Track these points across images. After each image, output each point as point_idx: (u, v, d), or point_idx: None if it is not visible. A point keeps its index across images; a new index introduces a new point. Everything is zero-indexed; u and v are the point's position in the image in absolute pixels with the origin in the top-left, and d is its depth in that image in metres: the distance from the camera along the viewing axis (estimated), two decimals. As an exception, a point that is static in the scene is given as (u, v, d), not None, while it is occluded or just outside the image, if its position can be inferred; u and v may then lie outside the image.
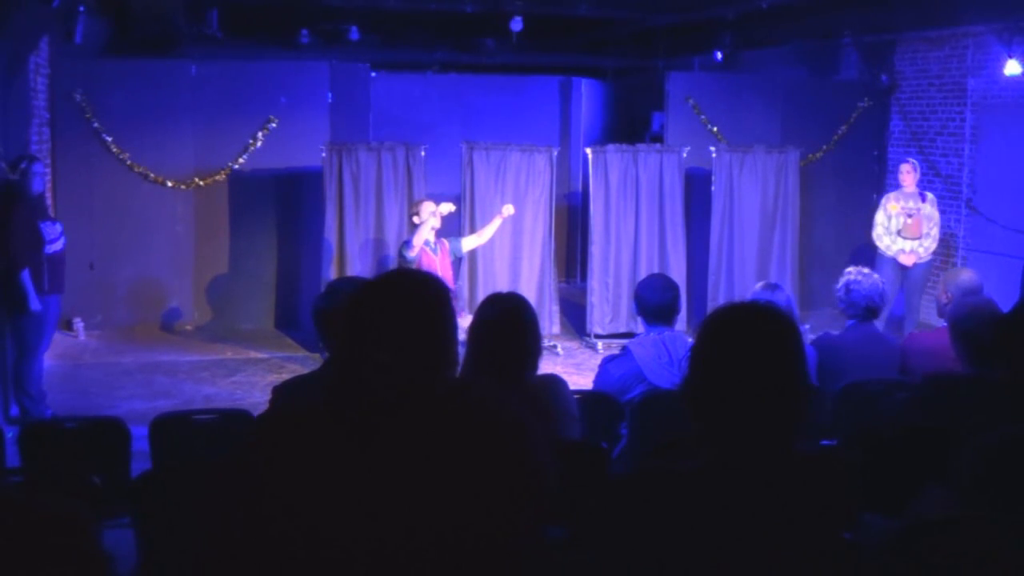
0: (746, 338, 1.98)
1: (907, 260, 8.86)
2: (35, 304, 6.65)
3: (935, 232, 8.96)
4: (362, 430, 1.81)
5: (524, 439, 1.89)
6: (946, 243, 10.19)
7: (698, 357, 2.02)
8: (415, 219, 7.85)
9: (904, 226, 8.91)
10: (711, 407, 1.96)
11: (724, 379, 1.95)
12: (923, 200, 8.96)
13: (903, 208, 8.96)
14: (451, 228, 9.36)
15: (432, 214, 7.71)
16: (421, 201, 8.06)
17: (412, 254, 7.56)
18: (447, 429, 1.84)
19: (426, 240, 7.69)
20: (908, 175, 8.99)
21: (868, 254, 11.06)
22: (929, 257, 8.98)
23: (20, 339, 6.85)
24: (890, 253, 8.94)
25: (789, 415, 1.96)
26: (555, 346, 9.22)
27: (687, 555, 1.90)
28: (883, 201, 9.24)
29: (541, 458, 1.89)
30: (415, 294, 1.92)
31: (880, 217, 9.06)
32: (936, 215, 8.98)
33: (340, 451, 1.81)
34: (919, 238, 8.88)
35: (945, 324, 4.97)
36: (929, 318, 9.19)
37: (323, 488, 1.78)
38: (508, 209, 8.35)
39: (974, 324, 3.75)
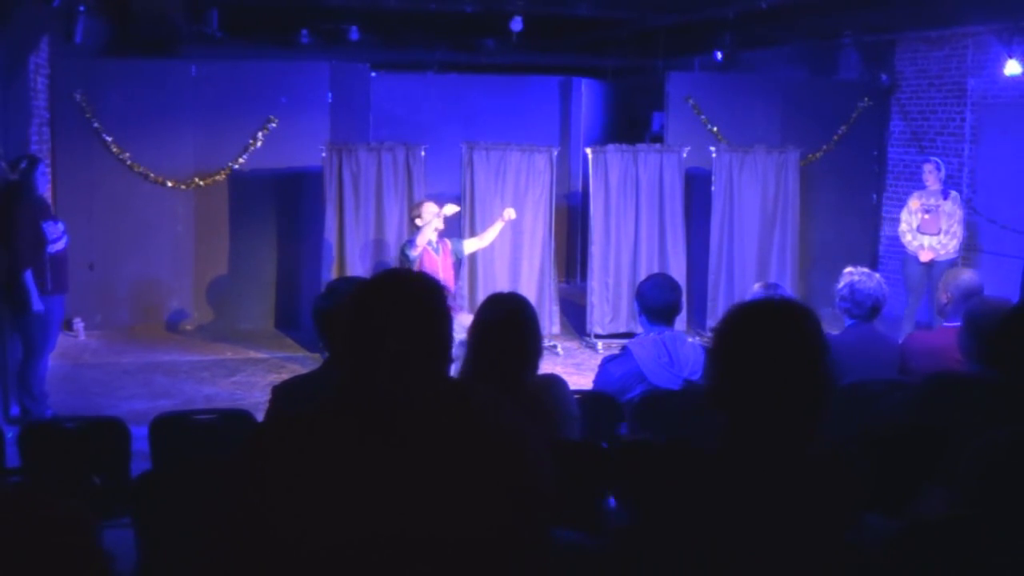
0: (771, 331, 1.99)
1: (924, 256, 9.06)
2: (37, 304, 6.64)
3: (956, 229, 9.06)
4: (378, 427, 1.82)
5: (522, 448, 1.90)
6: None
7: (720, 352, 2.02)
8: (417, 221, 7.84)
9: (922, 222, 9.11)
10: (732, 402, 1.96)
11: (748, 373, 1.95)
12: (945, 197, 9.07)
13: (922, 204, 9.16)
14: (451, 228, 9.35)
15: (436, 215, 7.71)
16: (423, 202, 8.05)
17: (415, 253, 7.57)
18: (451, 434, 1.85)
19: (428, 240, 7.69)
20: (930, 175, 9.15)
21: (868, 253, 11.08)
22: (954, 254, 9.06)
23: (26, 340, 6.85)
24: (911, 249, 9.16)
25: (809, 411, 1.96)
26: (555, 346, 9.22)
27: (694, 532, 1.91)
28: (908, 199, 9.46)
29: (539, 465, 1.91)
30: (418, 290, 1.95)
31: (904, 215, 9.32)
32: (959, 212, 9.10)
33: (353, 447, 1.81)
34: (937, 234, 9.02)
35: (944, 324, 4.98)
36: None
37: (336, 487, 1.78)
38: (509, 213, 8.32)
39: (993, 321, 3.72)
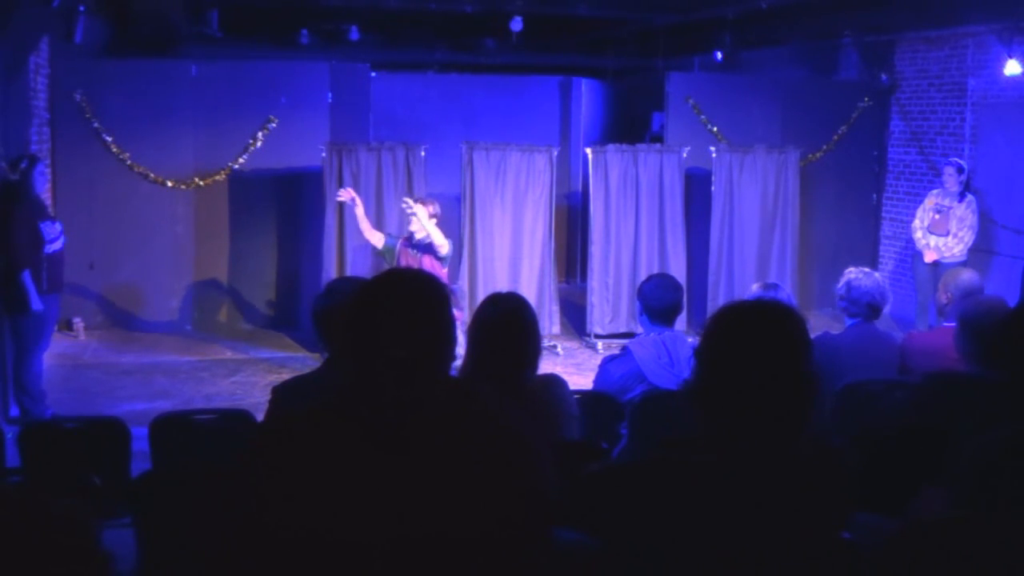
0: (755, 333, 1.99)
1: (928, 256, 9.05)
2: (36, 304, 6.65)
3: (964, 234, 9.01)
4: (378, 429, 1.82)
5: (525, 449, 1.90)
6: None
7: (706, 353, 2.02)
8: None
9: (932, 221, 9.11)
10: (718, 403, 1.97)
11: (732, 375, 1.96)
12: (960, 200, 9.04)
13: (936, 204, 9.15)
14: (452, 228, 9.36)
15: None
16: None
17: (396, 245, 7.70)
18: (456, 435, 1.84)
19: (411, 238, 7.68)
20: (950, 177, 9.12)
21: (868, 253, 11.07)
22: (960, 258, 8.96)
23: (19, 339, 6.85)
24: (919, 247, 9.18)
25: (795, 411, 1.97)
26: (555, 346, 9.22)
27: (686, 544, 1.91)
28: (925, 197, 9.45)
29: (541, 467, 1.90)
30: (421, 290, 1.93)
31: (919, 211, 9.33)
32: (970, 218, 9.04)
33: (355, 451, 1.80)
34: (945, 235, 9.02)
35: (944, 324, 4.98)
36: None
37: (336, 489, 1.77)
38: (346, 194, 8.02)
39: (987, 321, 3.73)
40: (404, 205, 7.69)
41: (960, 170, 9.10)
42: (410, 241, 7.66)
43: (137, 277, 9.78)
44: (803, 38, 10.76)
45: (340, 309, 2.02)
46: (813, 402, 1.99)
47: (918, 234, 9.20)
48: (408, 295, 1.91)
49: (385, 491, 1.77)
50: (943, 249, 8.99)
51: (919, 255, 9.20)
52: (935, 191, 9.35)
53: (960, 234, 9.00)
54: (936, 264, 8.97)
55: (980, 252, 9.77)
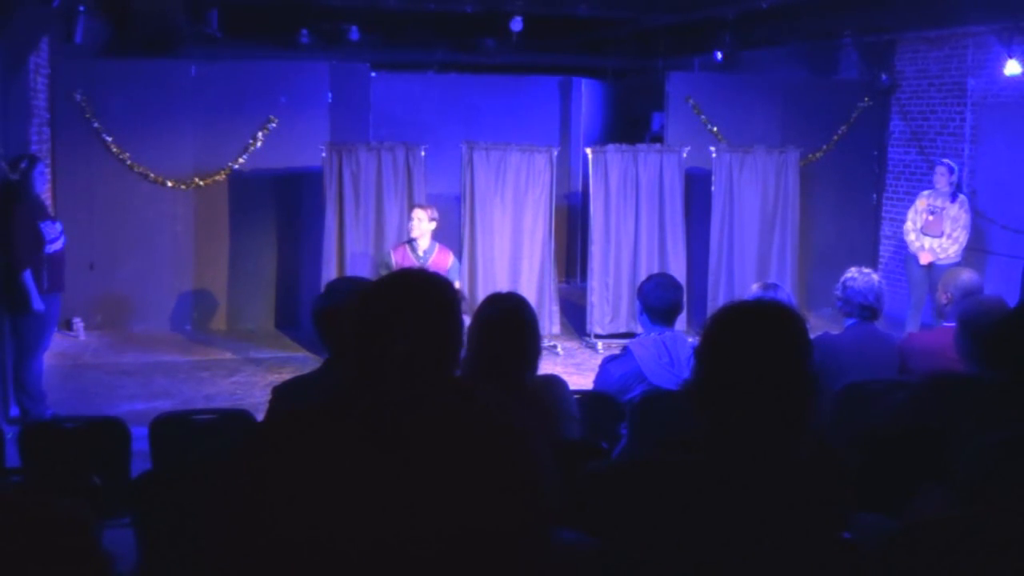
0: (755, 333, 1.99)
1: (923, 259, 9.00)
2: (38, 304, 6.65)
3: (959, 235, 8.97)
4: (381, 429, 1.82)
5: (527, 449, 1.90)
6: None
7: (705, 353, 2.03)
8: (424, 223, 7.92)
9: (925, 223, 9.06)
10: (718, 403, 1.97)
11: (732, 374, 1.96)
12: (952, 201, 9.00)
13: (929, 205, 9.09)
14: (452, 227, 9.36)
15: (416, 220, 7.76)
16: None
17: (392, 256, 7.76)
18: (455, 435, 1.84)
19: (413, 244, 7.69)
20: (941, 177, 9.07)
21: (868, 253, 11.07)
22: (955, 258, 8.90)
23: (20, 339, 6.85)
24: (912, 249, 9.12)
25: (795, 411, 1.97)
26: (555, 346, 9.22)
27: (686, 544, 1.91)
28: (916, 198, 9.41)
29: (543, 467, 1.90)
30: (430, 291, 1.93)
31: (910, 213, 9.27)
32: (964, 218, 9.00)
33: (355, 451, 1.80)
34: (939, 236, 8.97)
35: (944, 324, 4.98)
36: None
37: (336, 489, 1.77)
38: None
39: (986, 322, 3.73)
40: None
41: (952, 171, 9.07)
42: (412, 245, 7.70)
43: (137, 277, 9.77)
44: (803, 38, 10.77)
45: (342, 309, 2.01)
46: (813, 402, 1.99)
47: (911, 236, 9.16)
48: (417, 295, 1.91)
49: (385, 491, 1.77)
50: (938, 250, 8.95)
51: (912, 257, 9.17)
52: (926, 192, 9.31)
53: (955, 235, 8.97)
54: (931, 265, 8.96)
55: (975, 252, 9.77)
